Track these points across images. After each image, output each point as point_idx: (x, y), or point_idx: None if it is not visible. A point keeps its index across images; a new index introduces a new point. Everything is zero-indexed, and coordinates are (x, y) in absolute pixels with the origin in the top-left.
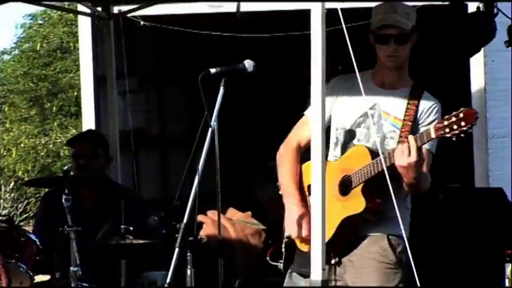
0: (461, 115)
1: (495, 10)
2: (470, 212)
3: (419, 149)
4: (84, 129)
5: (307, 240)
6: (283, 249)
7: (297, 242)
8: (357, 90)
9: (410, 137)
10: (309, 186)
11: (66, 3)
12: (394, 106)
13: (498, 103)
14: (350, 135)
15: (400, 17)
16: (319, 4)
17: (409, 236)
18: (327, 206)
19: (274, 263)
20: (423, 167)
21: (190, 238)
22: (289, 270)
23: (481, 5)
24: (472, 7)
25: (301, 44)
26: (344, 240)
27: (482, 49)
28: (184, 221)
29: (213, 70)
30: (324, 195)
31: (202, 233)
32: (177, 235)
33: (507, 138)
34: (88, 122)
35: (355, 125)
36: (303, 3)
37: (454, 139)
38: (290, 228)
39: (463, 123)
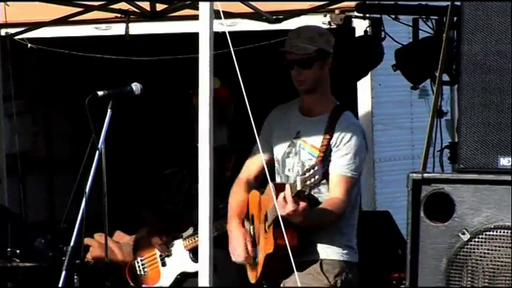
0: (316, 168)
1: (382, 34)
2: (357, 235)
3: (298, 197)
4: None
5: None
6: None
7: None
8: (286, 119)
9: (287, 186)
10: (252, 215)
11: None
12: (312, 134)
13: (385, 127)
14: (282, 165)
15: (301, 42)
16: (207, 27)
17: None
18: (261, 236)
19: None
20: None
21: (77, 261)
22: None
23: (368, 29)
24: (359, 31)
25: (190, 67)
26: (275, 269)
27: (369, 73)
28: (71, 243)
29: (100, 93)
30: (211, 198)
31: (89, 256)
32: (64, 258)
33: (393, 162)
34: None
35: (285, 156)
36: (191, 25)
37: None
38: (236, 254)
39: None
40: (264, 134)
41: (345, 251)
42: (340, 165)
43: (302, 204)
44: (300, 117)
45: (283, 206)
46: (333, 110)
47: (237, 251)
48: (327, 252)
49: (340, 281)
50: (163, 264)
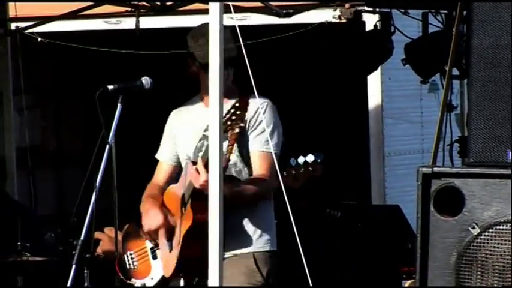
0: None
1: (392, 28)
2: (367, 229)
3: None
4: None
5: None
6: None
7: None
8: (191, 119)
9: (199, 159)
10: (169, 211)
11: None
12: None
13: (395, 121)
14: (194, 161)
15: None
16: (217, 21)
17: (277, 249)
18: (178, 221)
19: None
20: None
21: (87, 255)
22: None
23: (378, 23)
24: (369, 25)
25: None
26: (193, 255)
27: (379, 67)
28: (81, 237)
29: (110, 87)
30: (221, 194)
31: (99, 250)
32: (73, 252)
33: (403, 156)
34: None
35: (196, 151)
36: (201, 19)
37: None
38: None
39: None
40: (167, 141)
41: (271, 238)
42: (259, 142)
43: None
44: (206, 110)
45: (196, 177)
46: (239, 95)
47: (151, 225)
48: (259, 242)
49: (272, 274)
50: (155, 257)
